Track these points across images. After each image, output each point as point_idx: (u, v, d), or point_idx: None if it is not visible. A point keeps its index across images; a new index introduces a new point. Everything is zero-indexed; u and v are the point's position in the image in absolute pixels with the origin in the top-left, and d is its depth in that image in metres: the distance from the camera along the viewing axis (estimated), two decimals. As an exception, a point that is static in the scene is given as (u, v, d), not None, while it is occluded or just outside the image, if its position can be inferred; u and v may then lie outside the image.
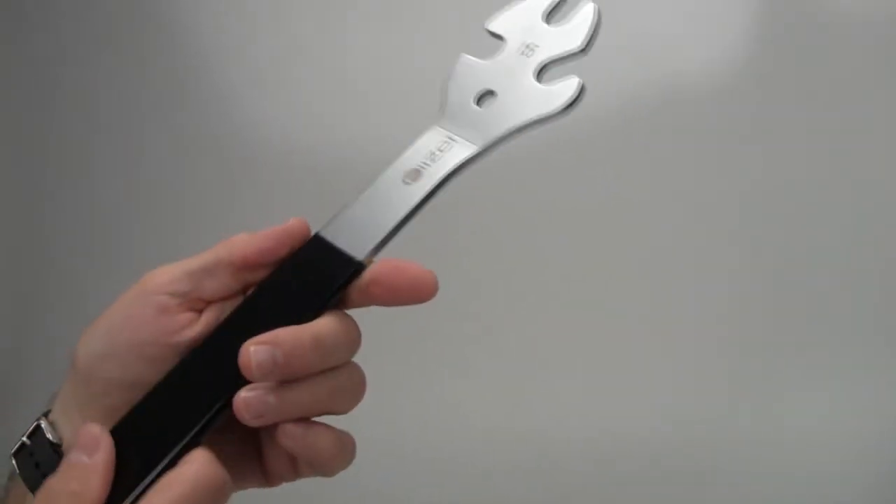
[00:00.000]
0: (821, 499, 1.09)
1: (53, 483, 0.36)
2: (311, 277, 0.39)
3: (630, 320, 1.23)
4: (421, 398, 1.26)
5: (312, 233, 0.40)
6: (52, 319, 1.38)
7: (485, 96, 0.42)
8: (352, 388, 0.40)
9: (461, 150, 0.41)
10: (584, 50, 0.42)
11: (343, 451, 0.39)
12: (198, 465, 0.35)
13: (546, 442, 1.19)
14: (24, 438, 0.40)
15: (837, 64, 1.16)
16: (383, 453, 1.22)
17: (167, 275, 0.39)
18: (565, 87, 0.41)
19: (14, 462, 0.39)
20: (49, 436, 0.39)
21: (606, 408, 1.20)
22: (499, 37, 0.44)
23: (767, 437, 1.14)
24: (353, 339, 0.39)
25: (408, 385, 1.26)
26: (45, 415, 0.40)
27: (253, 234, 0.40)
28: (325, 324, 0.38)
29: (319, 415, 0.39)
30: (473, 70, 0.43)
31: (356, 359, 0.40)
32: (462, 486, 1.17)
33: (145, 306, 0.39)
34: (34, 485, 0.38)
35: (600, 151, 1.25)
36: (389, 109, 1.31)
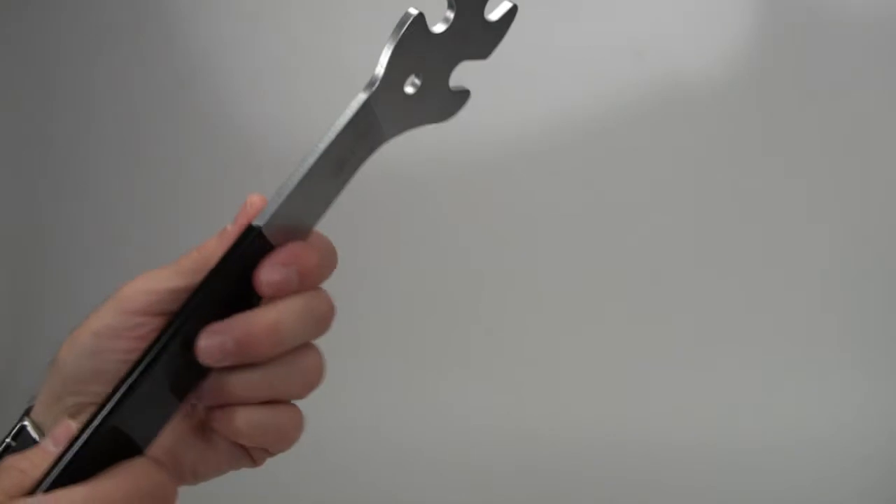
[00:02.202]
0: (821, 499, 1.09)
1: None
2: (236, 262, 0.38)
3: (630, 321, 1.23)
4: (422, 399, 1.26)
5: None
6: (51, 319, 1.38)
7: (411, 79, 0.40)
8: (302, 374, 0.40)
9: (374, 143, 0.41)
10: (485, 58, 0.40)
11: (279, 432, 0.40)
12: (133, 474, 0.35)
13: (546, 443, 1.19)
14: (9, 440, 0.39)
15: (837, 64, 1.16)
16: (384, 453, 1.21)
17: (147, 295, 0.38)
18: (457, 100, 0.41)
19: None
20: (35, 435, 0.39)
21: (606, 409, 1.20)
22: (451, 5, 0.40)
23: (767, 437, 1.14)
24: (318, 316, 0.39)
25: (408, 385, 1.26)
26: (27, 412, 0.40)
27: (221, 237, 0.39)
28: (283, 307, 0.38)
29: (272, 398, 0.39)
30: (422, 41, 0.40)
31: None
32: (462, 486, 1.17)
33: (130, 328, 0.38)
34: None
35: (600, 152, 1.25)
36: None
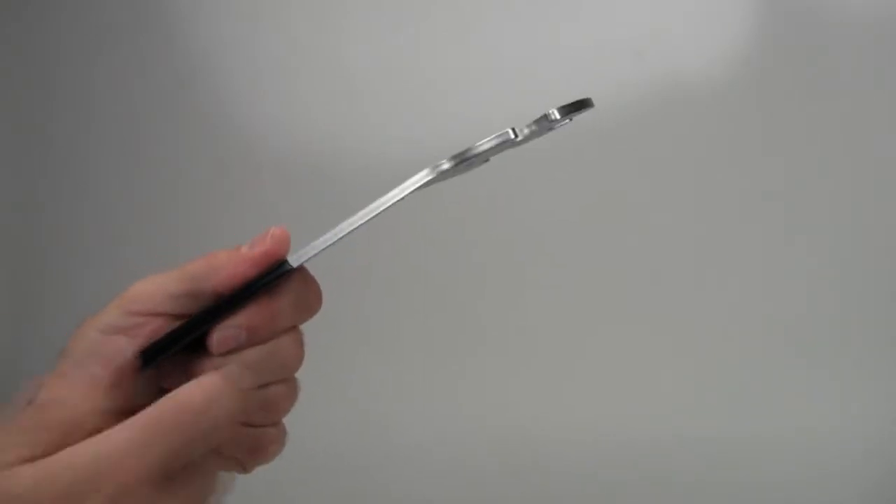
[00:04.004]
0: (822, 497, 1.09)
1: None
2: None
3: (629, 321, 1.23)
4: (421, 398, 1.26)
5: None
6: (51, 319, 1.38)
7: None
8: (267, 406, 0.41)
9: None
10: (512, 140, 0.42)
11: (256, 447, 0.41)
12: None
13: (546, 443, 1.19)
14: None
15: (837, 63, 1.16)
16: (383, 451, 1.22)
17: (150, 296, 0.40)
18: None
19: None
20: None
21: (606, 410, 1.20)
22: (551, 122, 0.41)
23: (769, 437, 1.14)
24: (280, 361, 0.40)
25: (408, 385, 1.26)
26: (29, 403, 0.41)
27: (235, 255, 0.40)
28: (234, 357, 0.40)
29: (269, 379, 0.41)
30: (501, 148, 0.41)
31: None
32: (461, 485, 1.17)
33: (130, 326, 0.40)
34: None
35: (600, 151, 1.25)
36: (389, 109, 1.31)
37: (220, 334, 0.39)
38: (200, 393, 0.37)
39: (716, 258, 1.22)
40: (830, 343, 1.17)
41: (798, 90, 1.18)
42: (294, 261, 0.39)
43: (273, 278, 0.39)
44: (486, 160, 0.43)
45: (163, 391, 0.42)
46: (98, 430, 0.40)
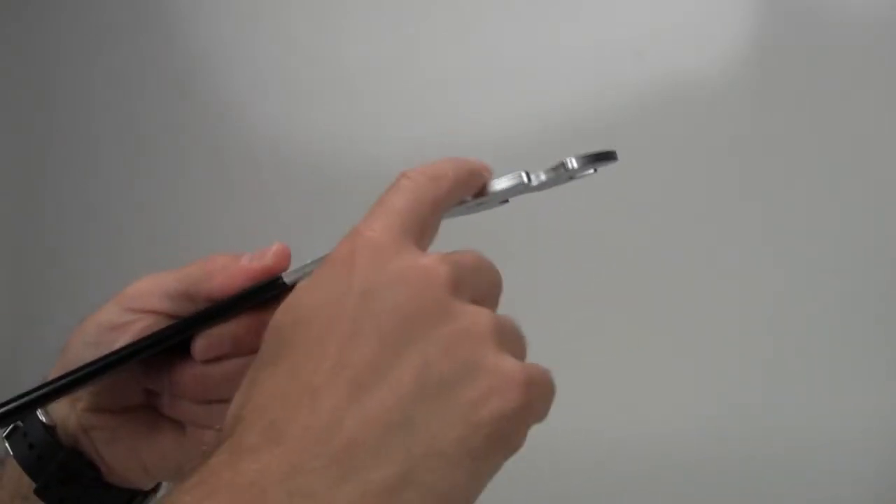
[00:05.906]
0: (823, 498, 1.09)
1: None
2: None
3: (628, 321, 1.23)
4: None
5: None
6: (52, 318, 1.38)
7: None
8: None
9: None
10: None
11: None
12: None
13: (545, 442, 1.19)
14: (17, 421, 0.41)
15: (837, 64, 1.16)
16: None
17: (147, 294, 0.40)
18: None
19: (7, 444, 0.40)
20: (42, 418, 0.40)
21: (608, 408, 1.20)
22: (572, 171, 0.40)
23: (772, 436, 1.14)
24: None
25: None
26: None
27: (233, 264, 0.40)
28: (218, 365, 0.40)
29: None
30: (516, 192, 0.41)
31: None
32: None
33: (126, 323, 0.40)
34: (28, 465, 0.39)
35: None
36: (389, 109, 1.31)
37: (205, 342, 0.39)
38: None
39: (715, 258, 1.22)
40: (831, 343, 1.17)
41: (798, 90, 1.18)
42: (289, 278, 0.38)
43: (265, 293, 0.39)
44: (506, 201, 0.42)
45: (147, 392, 0.42)
46: (81, 428, 0.40)
